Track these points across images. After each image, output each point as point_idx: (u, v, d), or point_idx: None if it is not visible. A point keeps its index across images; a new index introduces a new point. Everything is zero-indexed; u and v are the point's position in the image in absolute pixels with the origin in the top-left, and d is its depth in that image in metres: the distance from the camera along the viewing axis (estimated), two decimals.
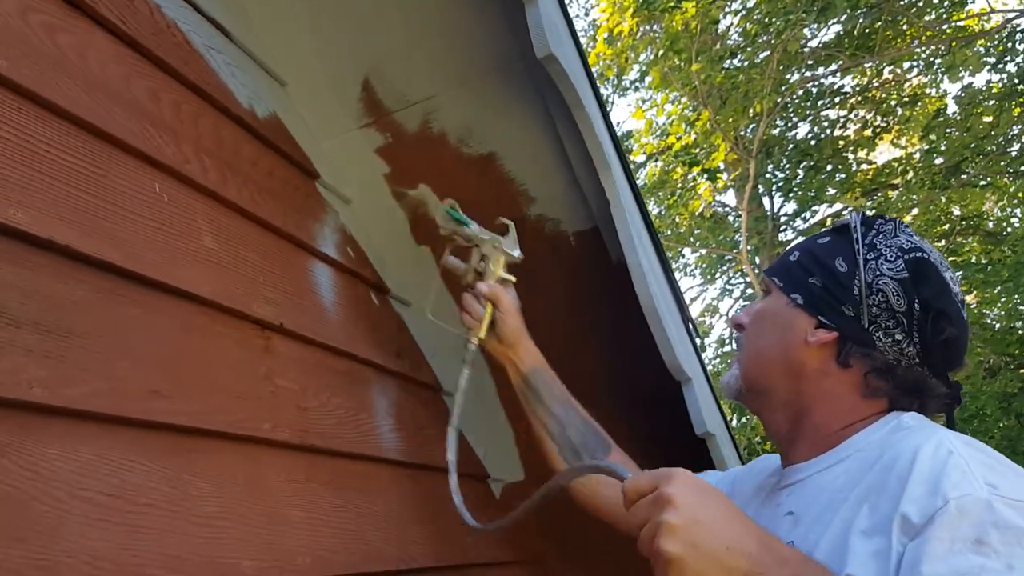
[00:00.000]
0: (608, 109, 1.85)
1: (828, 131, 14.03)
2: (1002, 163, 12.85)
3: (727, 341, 16.03)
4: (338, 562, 1.37)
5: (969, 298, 13.26)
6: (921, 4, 12.27)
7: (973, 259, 13.50)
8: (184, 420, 1.12)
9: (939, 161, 13.00)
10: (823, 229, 1.29)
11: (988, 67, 12.47)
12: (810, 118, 14.11)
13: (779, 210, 14.96)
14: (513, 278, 1.63)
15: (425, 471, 1.85)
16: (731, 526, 0.97)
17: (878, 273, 1.14)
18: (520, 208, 1.97)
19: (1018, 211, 14.05)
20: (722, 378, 1.37)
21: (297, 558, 1.26)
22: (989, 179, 13.07)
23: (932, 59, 13.12)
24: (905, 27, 12.57)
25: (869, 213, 1.24)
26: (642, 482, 1.02)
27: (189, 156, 1.34)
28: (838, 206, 14.26)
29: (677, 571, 0.95)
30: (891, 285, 1.12)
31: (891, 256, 1.14)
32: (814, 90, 13.81)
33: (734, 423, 12.35)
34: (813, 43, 13.00)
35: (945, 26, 12.43)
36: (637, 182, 2.08)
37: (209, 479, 1.14)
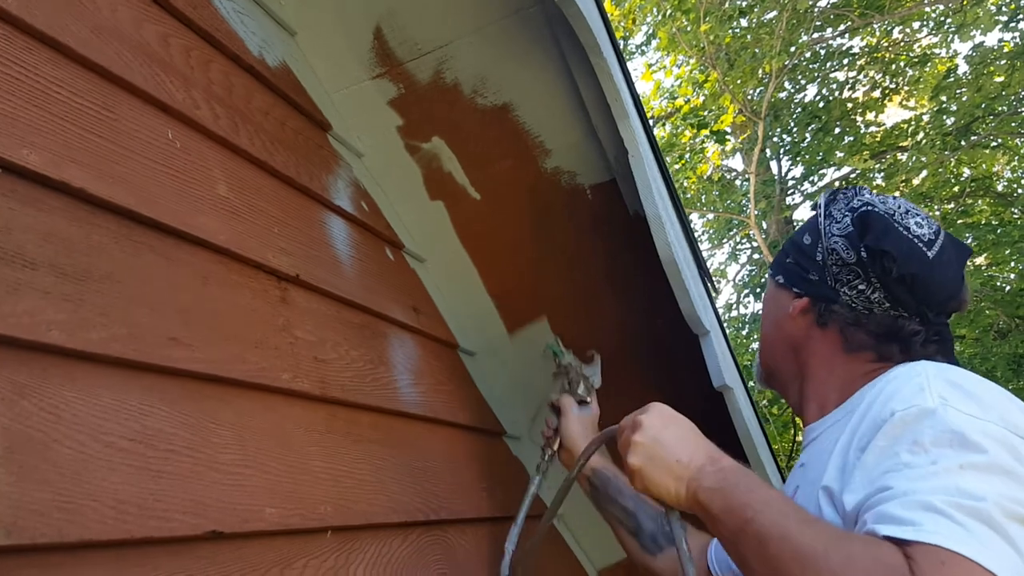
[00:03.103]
0: (625, 57, 1.81)
1: (836, 93, 13.88)
2: (1013, 123, 12.70)
3: (734, 305, 16.02)
4: (359, 512, 1.36)
5: (980, 260, 13.18)
6: None
7: (984, 221, 13.39)
8: (203, 368, 1.10)
9: (949, 122, 12.85)
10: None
11: (1000, 25, 12.29)
12: (818, 80, 13.96)
13: (787, 174, 14.86)
14: (589, 399, 1.80)
15: (444, 426, 1.84)
16: (684, 444, 1.19)
17: (830, 235, 1.24)
18: (536, 161, 1.94)
19: None
20: (753, 369, 1.53)
21: (319, 507, 1.25)
22: (1000, 140, 12.93)
23: (943, 18, 12.94)
24: None
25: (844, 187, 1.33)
26: (628, 417, 1.28)
27: (200, 103, 1.32)
28: (846, 169, 14.14)
29: (639, 479, 1.20)
30: (840, 242, 1.22)
31: (840, 217, 1.24)
32: (822, 52, 13.65)
33: None
34: (822, 2, 12.81)
35: None
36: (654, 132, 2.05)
37: (230, 427, 1.13)
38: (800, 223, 1.59)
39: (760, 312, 1.50)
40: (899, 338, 1.20)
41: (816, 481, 1.12)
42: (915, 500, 0.88)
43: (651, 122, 14.14)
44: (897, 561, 0.84)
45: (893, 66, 13.65)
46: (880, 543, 0.88)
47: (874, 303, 1.20)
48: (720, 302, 16.12)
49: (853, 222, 1.21)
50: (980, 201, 13.86)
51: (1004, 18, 12.23)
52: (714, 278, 16.32)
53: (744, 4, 12.66)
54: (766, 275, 1.51)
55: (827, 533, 0.93)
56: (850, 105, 13.74)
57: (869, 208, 1.21)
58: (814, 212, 1.34)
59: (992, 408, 0.96)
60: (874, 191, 1.27)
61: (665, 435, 1.20)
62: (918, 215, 1.21)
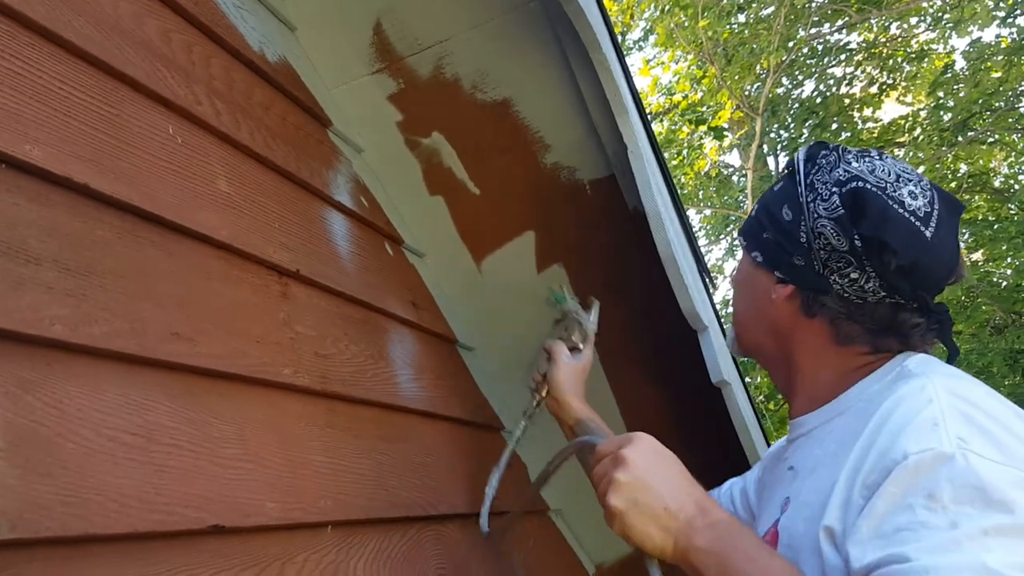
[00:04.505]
0: (624, 53, 1.82)
1: (834, 88, 13.89)
2: (1010, 119, 12.74)
3: (731, 303, 16.04)
4: (359, 506, 1.37)
5: (976, 256, 13.20)
6: None
7: (980, 217, 13.42)
8: (205, 363, 1.11)
9: (947, 118, 12.87)
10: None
11: (997, 21, 12.30)
12: (816, 75, 13.97)
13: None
14: (582, 346, 1.75)
15: (443, 421, 1.84)
16: (673, 490, 1.05)
17: (816, 215, 1.09)
18: (535, 156, 1.94)
19: None
20: (726, 338, 1.41)
21: (320, 501, 1.25)
22: (997, 136, 12.96)
23: (940, 14, 12.95)
24: None
25: (821, 142, 1.17)
26: (610, 444, 1.15)
27: (201, 98, 1.32)
28: None
29: (619, 523, 1.06)
30: (829, 226, 1.07)
31: (826, 194, 1.09)
32: (820, 47, 13.66)
33: None
34: None
35: None
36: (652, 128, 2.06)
37: (231, 421, 1.13)
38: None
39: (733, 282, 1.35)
40: (901, 332, 1.10)
41: (812, 505, 1.03)
42: None
43: (649, 118, 14.13)
44: None
45: (890, 62, 13.67)
46: None
47: (868, 292, 1.07)
48: (717, 298, 16.15)
49: (843, 201, 1.06)
50: (977, 197, 13.87)
51: (1001, 14, 12.25)
52: (711, 274, 16.37)
53: (742, 0, 12.66)
54: (737, 238, 1.34)
55: None
56: (847, 101, 13.75)
57: (859, 185, 1.06)
58: (788, 173, 1.19)
59: (1014, 449, 0.87)
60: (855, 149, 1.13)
61: (652, 477, 1.07)
62: (910, 179, 1.07)
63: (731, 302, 1.35)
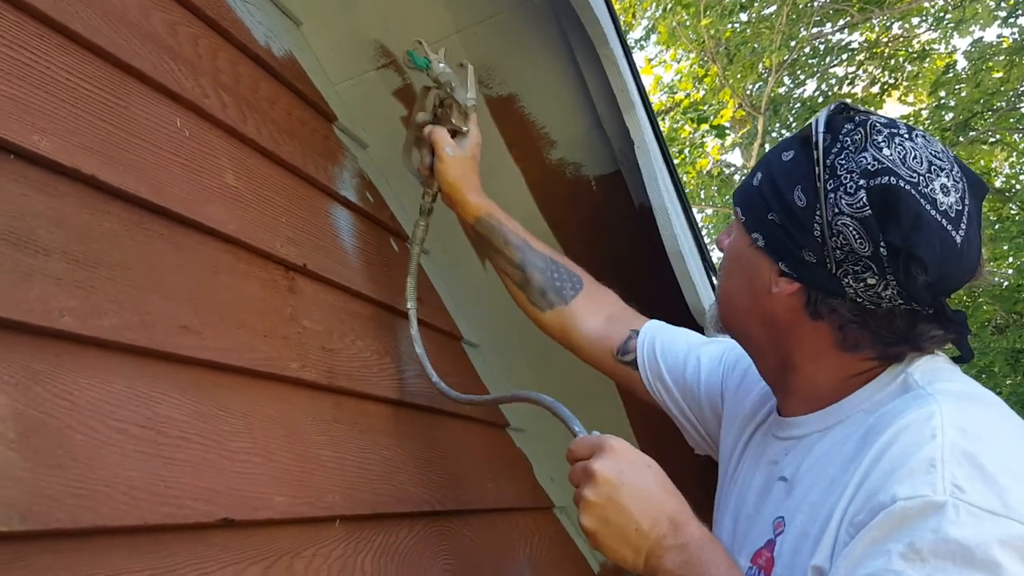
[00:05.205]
0: (630, 48, 1.81)
1: (836, 88, 13.90)
2: (1012, 119, 12.74)
3: (716, 271, 16.02)
4: (366, 501, 1.36)
5: None
6: None
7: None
8: (214, 356, 1.10)
9: (948, 118, 12.88)
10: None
11: (999, 21, 12.31)
12: (817, 75, 13.98)
13: None
14: (465, 127, 1.52)
15: (449, 417, 1.84)
16: (644, 506, 1.01)
17: (837, 210, 0.95)
18: (541, 152, 1.94)
19: None
20: (707, 313, 1.29)
21: (327, 496, 1.25)
22: (998, 136, 12.96)
23: (942, 14, 12.96)
24: None
25: (844, 105, 1.03)
26: (582, 447, 1.09)
27: (208, 91, 1.31)
28: None
29: (592, 541, 1.05)
30: (851, 226, 0.94)
31: (851, 186, 0.94)
32: (821, 47, 13.67)
33: None
34: None
35: None
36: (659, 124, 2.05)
37: (239, 415, 1.13)
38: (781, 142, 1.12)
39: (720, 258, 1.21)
40: (913, 343, 1.00)
41: (806, 538, 0.98)
42: None
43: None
44: None
45: (892, 61, 13.68)
46: None
47: (883, 299, 0.96)
48: None
49: (871, 200, 0.92)
50: None
51: (1003, 13, 12.25)
52: (717, 271, 16.33)
53: None
54: (733, 208, 1.14)
55: None
56: (849, 100, 13.72)
57: (891, 182, 0.91)
58: (802, 140, 1.03)
59: (1019, 495, 0.79)
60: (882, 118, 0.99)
61: (622, 494, 1.01)
62: (942, 167, 0.94)
63: (717, 271, 1.23)
